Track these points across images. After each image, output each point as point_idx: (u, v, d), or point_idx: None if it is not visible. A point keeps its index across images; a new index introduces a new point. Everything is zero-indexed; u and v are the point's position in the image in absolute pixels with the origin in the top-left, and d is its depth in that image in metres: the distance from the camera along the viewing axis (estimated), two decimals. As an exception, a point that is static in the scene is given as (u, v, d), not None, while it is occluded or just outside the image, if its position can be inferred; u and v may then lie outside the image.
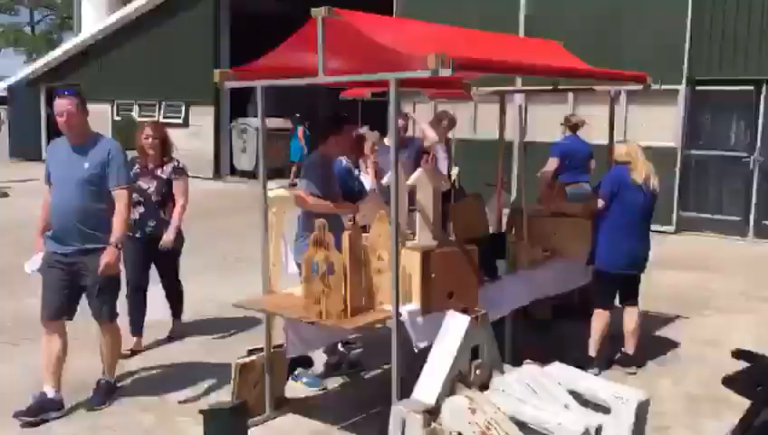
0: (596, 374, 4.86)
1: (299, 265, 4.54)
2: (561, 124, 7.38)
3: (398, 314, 3.75)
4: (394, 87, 3.63)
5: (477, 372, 2.61)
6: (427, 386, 2.54)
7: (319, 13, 3.70)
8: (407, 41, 4.03)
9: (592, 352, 5.14)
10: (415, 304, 3.96)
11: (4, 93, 22.91)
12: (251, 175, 17.59)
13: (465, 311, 2.67)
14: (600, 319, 5.14)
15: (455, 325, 2.59)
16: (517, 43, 6.31)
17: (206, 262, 8.70)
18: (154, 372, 5.20)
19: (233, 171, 18.23)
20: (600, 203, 5.12)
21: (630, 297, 5.27)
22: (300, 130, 17.14)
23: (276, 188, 4.69)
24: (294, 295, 4.29)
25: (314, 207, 4.53)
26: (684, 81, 10.90)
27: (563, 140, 7.34)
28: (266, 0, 19.76)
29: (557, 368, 2.72)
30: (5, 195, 13.99)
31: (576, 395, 2.57)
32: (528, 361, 2.77)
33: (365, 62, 4.44)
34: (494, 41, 5.09)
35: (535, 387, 2.50)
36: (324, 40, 3.74)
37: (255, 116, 18.09)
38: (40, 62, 22.71)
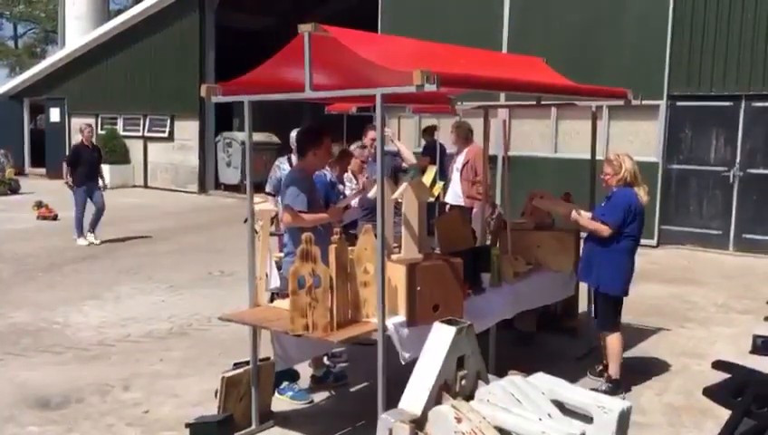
0: (623, 398, 4.73)
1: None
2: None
3: (384, 327, 3.78)
4: (380, 102, 3.69)
5: (463, 382, 2.64)
6: (414, 396, 2.57)
7: (306, 29, 3.75)
8: (392, 57, 4.08)
9: (617, 374, 5.02)
10: (401, 317, 4.00)
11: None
12: (236, 189, 17.58)
13: (450, 322, 2.71)
14: (618, 341, 5.03)
15: (440, 336, 2.63)
16: (501, 60, 6.40)
17: (191, 276, 8.70)
18: (138, 386, 5.18)
19: (217, 185, 18.22)
20: (607, 231, 4.89)
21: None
22: None
23: (263, 202, 4.71)
24: (280, 309, 4.31)
25: (309, 222, 4.52)
26: (664, 96, 11.07)
27: None
28: (251, 14, 19.89)
29: (541, 378, 2.77)
30: (-13, 209, 13.89)
31: (559, 404, 2.62)
32: (513, 371, 2.81)
33: (351, 77, 4.49)
34: (479, 57, 5.17)
35: (519, 396, 2.54)
36: (311, 55, 3.79)
37: (241, 130, 18.29)
38: (24, 76, 22.63)
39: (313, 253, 3.82)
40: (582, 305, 6.17)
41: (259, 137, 16.44)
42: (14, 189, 16.97)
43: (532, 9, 12.19)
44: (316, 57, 3.82)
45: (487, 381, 2.76)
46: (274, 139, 17.70)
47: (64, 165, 10.80)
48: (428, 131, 11.44)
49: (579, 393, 2.70)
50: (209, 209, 15.46)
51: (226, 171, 17.88)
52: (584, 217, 5.16)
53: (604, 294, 5.06)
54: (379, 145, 3.81)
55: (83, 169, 10.47)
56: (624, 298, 5.18)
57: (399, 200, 4.22)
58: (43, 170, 21.33)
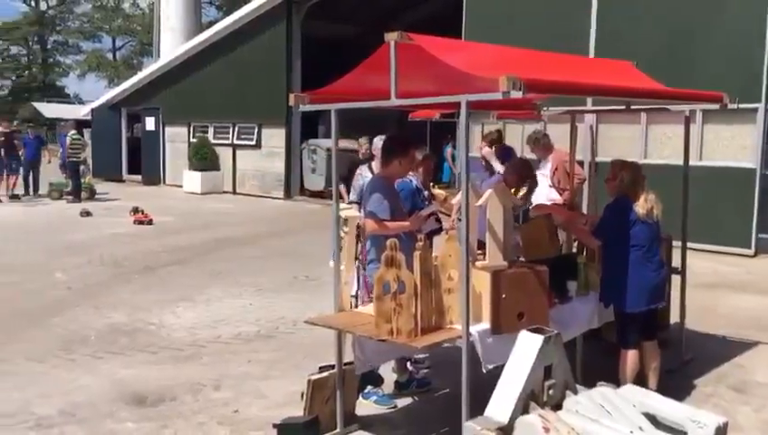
0: None
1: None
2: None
3: (469, 334, 3.77)
4: (465, 109, 3.69)
5: (550, 391, 2.61)
6: (500, 404, 2.56)
7: (392, 37, 3.79)
8: (477, 63, 4.08)
9: None
10: (485, 325, 3.98)
11: (88, 116, 24.04)
12: (320, 195, 17.90)
13: (538, 331, 2.68)
14: (631, 360, 4.77)
15: (528, 344, 2.60)
16: (589, 64, 6.28)
17: (277, 280, 8.90)
18: (228, 386, 5.34)
19: (302, 191, 18.60)
20: (595, 242, 4.86)
21: (650, 332, 4.88)
22: (448, 151, 17.38)
23: (348, 208, 4.78)
24: (365, 314, 4.36)
25: (392, 229, 4.56)
26: (763, 99, 10.55)
27: None
28: (336, 24, 20.22)
29: (631, 389, 2.70)
30: (89, 214, 14.63)
31: (651, 418, 2.54)
32: (601, 382, 2.75)
33: (436, 84, 4.51)
34: (566, 62, 5.09)
35: (609, 408, 2.49)
36: (397, 64, 3.83)
37: (326, 137, 18.60)
38: (121, 87, 23.77)
39: (398, 259, 3.86)
40: (674, 316, 5.96)
41: (343, 144, 16.60)
42: (92, 194, 17.81)
43: (621, 11, 11.88)
44: (401, 65, 3.85)
45: (575, 392, 2.71)
46: (356, 145, 17.92)
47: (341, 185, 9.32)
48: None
49: (672, 407, 2.61)
50: (294, 215, 15.78)
51: (311, 178, 18.23)
52: (581, 227, 5.03)
53: (615, 311, 4.81)
54: (464, 150, 3.81)
55: None
56: (646, 315, 4.77)
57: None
58: (138, 177, 22.31)
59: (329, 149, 17.70)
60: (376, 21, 20.33)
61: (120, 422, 4.70)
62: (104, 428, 4.61)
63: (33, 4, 56.12)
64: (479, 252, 4.39)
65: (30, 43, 55.98)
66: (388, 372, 5.11)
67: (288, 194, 18.55)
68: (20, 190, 17.46)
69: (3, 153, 16.85)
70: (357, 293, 4.93)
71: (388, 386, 5.12)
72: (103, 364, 5.83)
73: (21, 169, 17.64)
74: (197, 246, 11.28)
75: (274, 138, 18.74)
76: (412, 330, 3.86)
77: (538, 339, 2.61)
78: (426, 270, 3.93)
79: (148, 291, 8.32)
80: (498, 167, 6.80)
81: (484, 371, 3.90)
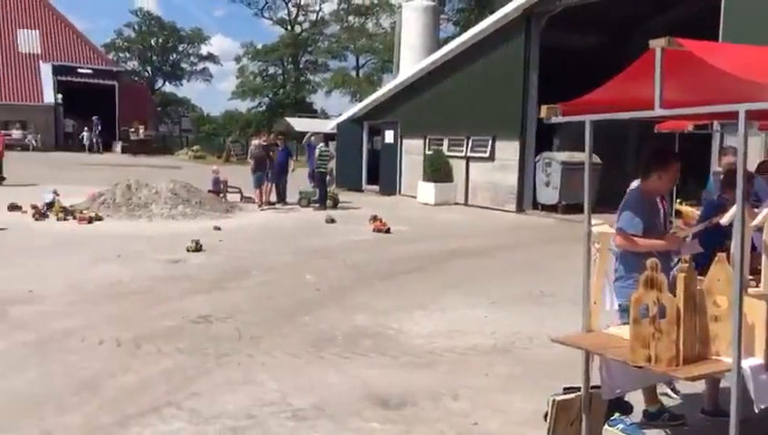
0: None
1: (621, 307, 4.43)
2: None
3: (740, 368, 3.40)
4: (743, 119, 3.35)
5: None
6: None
7: (658, 44, 3.55)
8: (756, 68, 3.68)
9: None
10: (759, 359, 3.58)
11: (333, 130, 25.82)
12: (553, 209, 17.51)
13: None
14: None
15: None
16: None
17: (511, 293, 8.81)
18: (466, 397, 5.34)
19: (535, 205, 18.32)
20: None
21: None
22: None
23: (600, 224, 4.57)
24: (616, 336, 4.13)
25: (642, 247, 4.32)
26: None
27: None
28: (575, 34, 19.68)
29: None
30: (333, 221, 15.64)
31: None
32: None
33: (701, 92, 4.15)
34: None
35: None
36: (662, 72, 3.58)
37: (560, 150, 18.16)
38: (363, 102, 25.21)
39: (660, 280, 3.60)
40: None
41: (579, 157, 16.18)
42: (335, 203, 18.90)
43: None
44: (666, 72, 3.60)
45: None
46: (595, 158, 17.29)
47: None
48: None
49: None
50: (527, 228, 15.58)
51: (545, 191, 17.90)
52: None
53: None
54: (740, 167, 3.45)
55: None
56: None
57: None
58: (376, 187, 23.47)
59: (564, 162, 17.25)
60: (617, 30, 19.50)
61: (367, 422, 4.90)
62: (352, 425, 4.84)
63: (289, 27, 61.97)
64: (751, 278, 3.98)
65: (285, 64, 61.82)
66: (639, 401, 4.80)
67: (520, 207, 18.39)
68: (273, 198, 19.15)
69: (268, 164, 18.56)
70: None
71: (637, 416, 4.80)
72: (349, 364, 6.13)
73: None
74: (432, 255, 11.54)
75: (508, 150, 18.68)
76: (673, 358, 3.57)
77: None
78: (690, 294, 3.62)
79: (388, 296, 8.66)
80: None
81: (756, 410, 3.51)
